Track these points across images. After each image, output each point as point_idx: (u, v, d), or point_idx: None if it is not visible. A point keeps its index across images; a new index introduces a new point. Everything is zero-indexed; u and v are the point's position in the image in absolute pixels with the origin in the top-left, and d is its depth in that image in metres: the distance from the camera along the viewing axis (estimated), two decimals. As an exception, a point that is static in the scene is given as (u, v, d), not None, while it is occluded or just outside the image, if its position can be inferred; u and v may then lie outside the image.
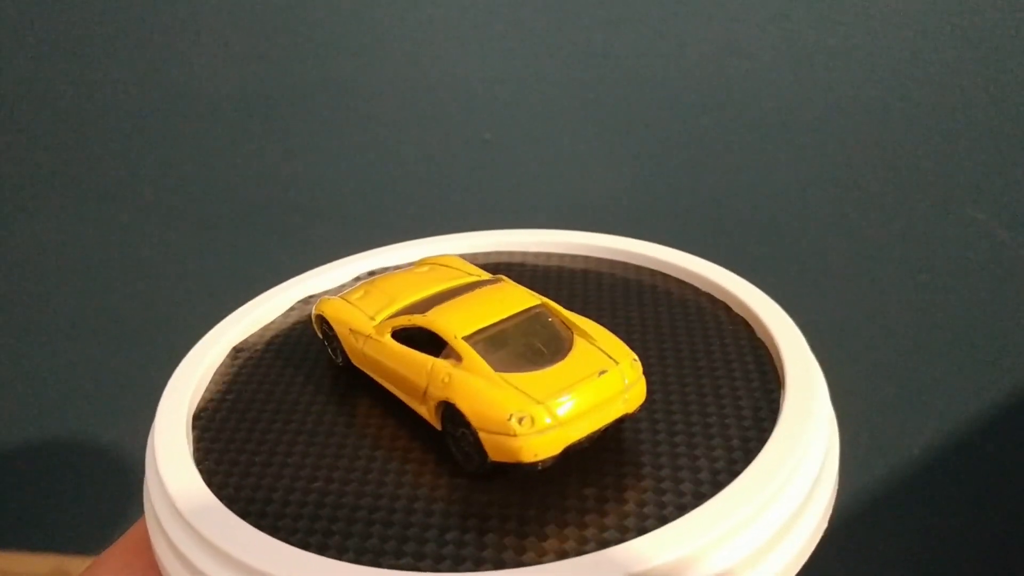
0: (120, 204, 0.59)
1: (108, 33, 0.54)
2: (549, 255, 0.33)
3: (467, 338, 0.22)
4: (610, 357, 0.21)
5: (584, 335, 0.22)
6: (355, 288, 0.27)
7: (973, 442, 0.60)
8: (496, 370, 0.21)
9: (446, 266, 0.27)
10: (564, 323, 0.23)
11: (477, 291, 0.24)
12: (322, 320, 0.27)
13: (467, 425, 0.21)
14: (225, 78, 0.54)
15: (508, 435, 0.20)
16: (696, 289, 0.30)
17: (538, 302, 0.23)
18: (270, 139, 0.56)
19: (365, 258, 0.33)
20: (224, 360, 0.28)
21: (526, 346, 0.22)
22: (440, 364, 0.22)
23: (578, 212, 0.55)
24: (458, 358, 0.22)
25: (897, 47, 0.49)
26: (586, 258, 0.33)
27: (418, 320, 0.23)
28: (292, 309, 0.31)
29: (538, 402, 0.20)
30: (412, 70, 0.53)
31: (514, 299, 0.23)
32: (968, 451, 0.60)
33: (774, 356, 0.25)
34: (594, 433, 0.21)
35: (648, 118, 0.53)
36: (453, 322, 0.22)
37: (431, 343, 0.22)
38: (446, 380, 0.21)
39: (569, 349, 0.22)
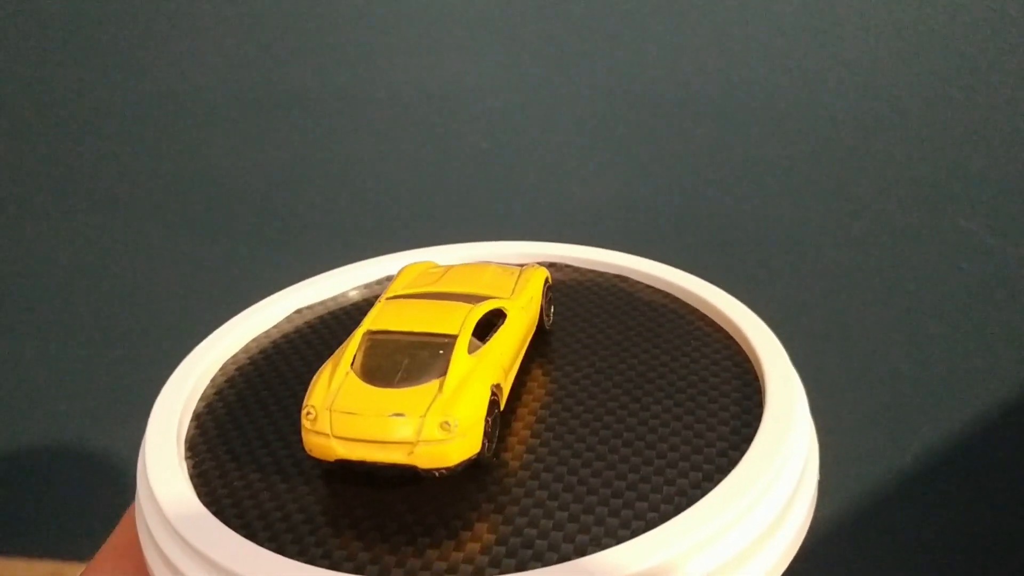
0: (117, 208, 0.59)
1: (109, 36, 0.54)
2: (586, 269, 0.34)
3: (369, 332, 0.23)
4: (429, 408, 0.21)
5: (450, 381, 0.21)
6: (446, 267, 0.28)
7: (965, 449, 0.60)
8: (352, 367, 0.22)
9: (525, 276, 0.28)
10: (450, 364, 0.22)
11: (439, 301, 0.24)
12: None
13: None
14: (227, 85, 0.54)
15: (302, 424, 0.21)
16: (679, 300, 0.30)
17: (454, 333, 0.22)
18: (269, 145, 0.56)
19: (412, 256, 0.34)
20: (276, 322, 0.29)
21: (396, 363, 0.22)
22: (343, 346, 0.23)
23: (572, 221, 0.56)
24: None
25: (890, 59, 0.49)
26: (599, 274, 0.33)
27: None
28: (341, 298, 0.32)
29: (330, 408, 0.21)
30: (411, 80, 0.53)
31: (444, 320, 0.23)
32: (960, 458, 0.61)
33: (756, 369, 0.26)
34: (373, 464, 0.21)
35: (644, 128, 0.53)
36: (382, 315, 0.23)
37: None
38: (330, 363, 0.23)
39: (417, 384, 0.21)
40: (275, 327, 0.30)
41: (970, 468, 0.61)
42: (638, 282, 0.32)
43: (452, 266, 0.28)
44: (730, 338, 0.28)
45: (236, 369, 0.28)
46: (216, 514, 0.21)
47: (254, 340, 0.30)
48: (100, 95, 0.56)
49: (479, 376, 0.22)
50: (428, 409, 0.21)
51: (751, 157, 0.53)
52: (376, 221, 0.57)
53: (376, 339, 0.23)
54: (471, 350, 0.22)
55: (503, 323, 0.24)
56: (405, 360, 0.22)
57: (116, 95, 0.56)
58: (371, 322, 0.23)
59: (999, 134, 0.50)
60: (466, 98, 0.53)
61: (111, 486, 0.71)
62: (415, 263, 0.29)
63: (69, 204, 0.60)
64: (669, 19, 0.50)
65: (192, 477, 0.23)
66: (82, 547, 0.74)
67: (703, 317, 0.29)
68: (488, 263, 0.29)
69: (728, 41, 0.50)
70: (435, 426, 0.20)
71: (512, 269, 0.28)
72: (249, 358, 0.28)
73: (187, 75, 0.54)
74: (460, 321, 0.23)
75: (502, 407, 0.23)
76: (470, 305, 0.24)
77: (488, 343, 0.23)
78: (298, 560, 0.19)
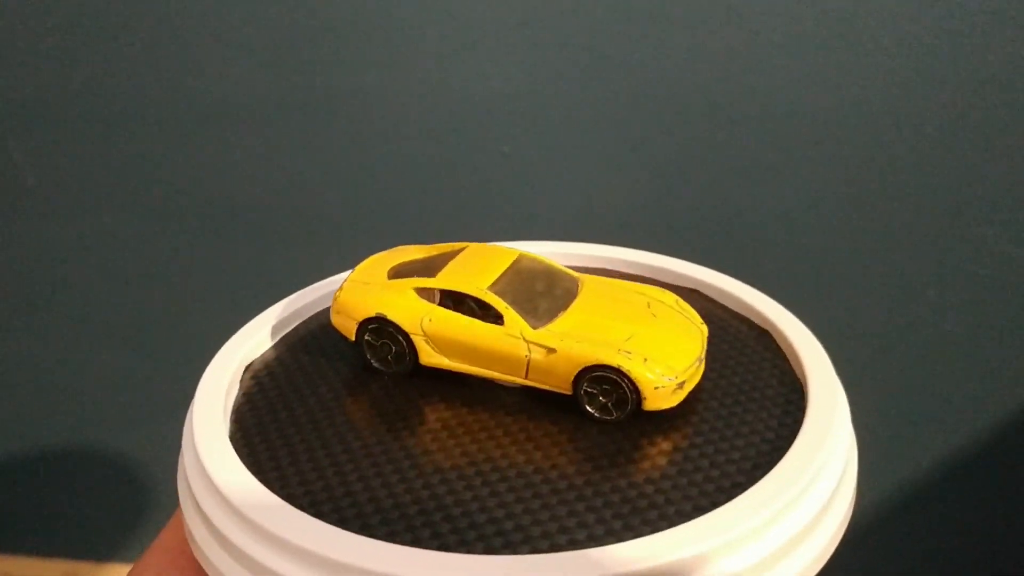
0: (135, 210, 0.60)
1: (127, 40, 0.54)
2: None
3: (465, 245, 0.29)
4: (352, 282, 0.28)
5: (382, 288, 0.27)
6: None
7: (983, 455, 0.60)
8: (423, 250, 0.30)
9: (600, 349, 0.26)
10: (395, 283, 0.27)
11: (512, 269, 0.27)
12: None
13: None
14: (251, 89, 0.55)
15: None
16: (729, 309, 0.31)
17: (435, 277, 0.26)
18: (291, 148, 0.56)
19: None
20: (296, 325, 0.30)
21: (417, 262, 0.28)
22: None
23: (592, 223, 0.56)
24: None
25: (908, 64, 0.49)
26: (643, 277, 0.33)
27: None
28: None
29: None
30: (433, 86, 0.53)
31: (468, 275, 0.26)
32: (978, 464, 0.60)
33: (799, 374, 0.26)
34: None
35: (663, 131, 0.53)
36: (487, 248, 0.28)
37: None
38: None
39: (385, 278, 0.27)
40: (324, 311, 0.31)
41: (988, 476, 0.61)
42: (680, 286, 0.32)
43: (659, 288, 0.28)
44: (772, 340, 0.28)
45: (284, 344, 0.29)
46: (265, 483, 0.21)
47: (303, 322, 0.30)
48: (120, 99, 0.56)
49: (385, 302, 0.26)
50: (351, 282, 0.27)
51: (770, 164, 0.53)
52: (398, 223, 0.58)
53: (453, 250, 0.28)
54: (427, 297, 0.26)
55: (486, 320, 0.25)
56: (419, 268, 0.27)
57: (137, 99, 0.56)
58: (479, 245, 0.28)
59: (1017, 140, 0.50)
60: (487, 103, 0.53)
61: (124, 485, 0.71)
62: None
63: (91, 206, 0.60)
64: (688, 24, 0.50)
65: (235, 442, 0.23)
66: (95, 547, 0.74)
67: (746, 320, 0.30)
68: (683, 311, 0.27)
69: (750, 47, 0.50)
70: (339, 293, 0.27)
71: (659, 327, 0.25)
72: (298, 337, 0.29)
73: (213, 79, 0.55)
74: (456, 283, 0.26)
75: (415, 358, 0.26)
76: (482, 284, 0.26)
77: (436, 310, 0.26)
78: (335, 525, 0.20)
